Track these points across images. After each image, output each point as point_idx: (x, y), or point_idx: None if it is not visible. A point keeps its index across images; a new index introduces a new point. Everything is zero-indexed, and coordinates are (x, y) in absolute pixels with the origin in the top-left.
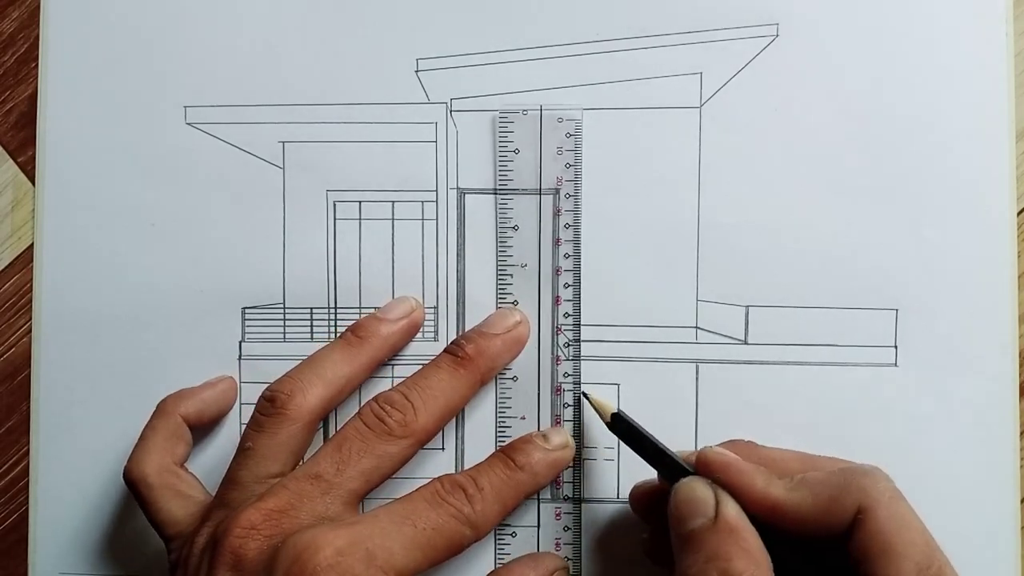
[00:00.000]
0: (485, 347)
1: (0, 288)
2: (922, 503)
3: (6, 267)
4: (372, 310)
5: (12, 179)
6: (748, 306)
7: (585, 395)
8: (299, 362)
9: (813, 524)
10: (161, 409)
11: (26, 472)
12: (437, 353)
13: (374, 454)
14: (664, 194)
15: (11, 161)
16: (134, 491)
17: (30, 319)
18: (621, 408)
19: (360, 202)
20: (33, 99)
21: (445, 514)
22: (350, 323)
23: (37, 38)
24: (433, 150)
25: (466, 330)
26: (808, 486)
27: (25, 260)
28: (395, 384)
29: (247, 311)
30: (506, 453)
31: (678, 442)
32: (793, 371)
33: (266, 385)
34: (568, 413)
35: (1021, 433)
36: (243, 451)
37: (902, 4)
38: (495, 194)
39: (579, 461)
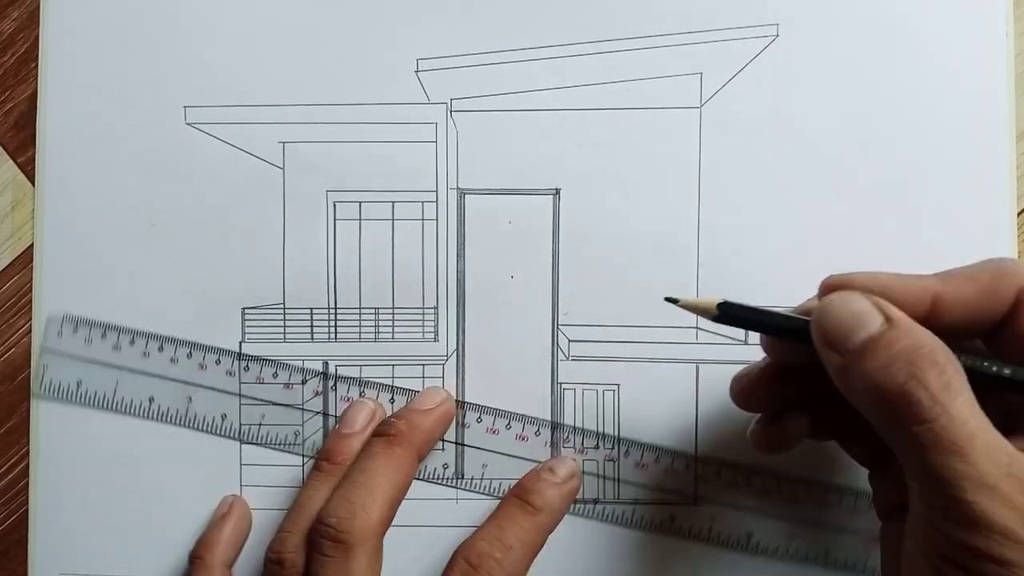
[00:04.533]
0: (417, 421)
1: (0, 288)
2: None
3: (6, 267)
4: (372, 310)
5: (12, 179)
6: None
7: (674, 300)
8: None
9: (974, 311)
10: (201, 566)
11: (26, 472)
12: (438, 353)
13: (344, 571)
14: (664, 194)
15: (11, 161)
16: None
17: (30, 319)
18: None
19: (360, 202)
20: (33, 99)
21: None
22: (350, 323)
23: (37, 38)
24: (433, 150)
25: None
26: (962, 275)
27: (25, 260)
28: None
29: (247, 311)
30: (521, 497)
31: (678, 442)
32: None
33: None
34: (566, 415)
35: None
36: None
37: (902, 4)
38: (499, 194)
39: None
